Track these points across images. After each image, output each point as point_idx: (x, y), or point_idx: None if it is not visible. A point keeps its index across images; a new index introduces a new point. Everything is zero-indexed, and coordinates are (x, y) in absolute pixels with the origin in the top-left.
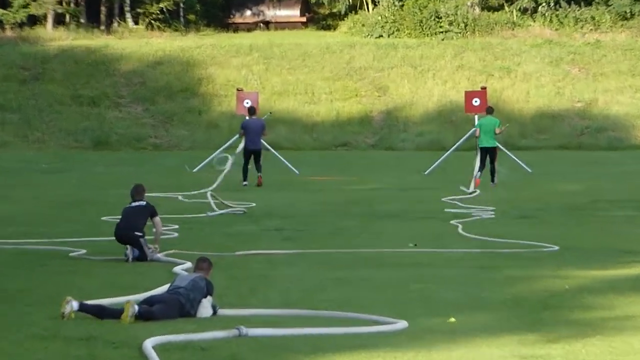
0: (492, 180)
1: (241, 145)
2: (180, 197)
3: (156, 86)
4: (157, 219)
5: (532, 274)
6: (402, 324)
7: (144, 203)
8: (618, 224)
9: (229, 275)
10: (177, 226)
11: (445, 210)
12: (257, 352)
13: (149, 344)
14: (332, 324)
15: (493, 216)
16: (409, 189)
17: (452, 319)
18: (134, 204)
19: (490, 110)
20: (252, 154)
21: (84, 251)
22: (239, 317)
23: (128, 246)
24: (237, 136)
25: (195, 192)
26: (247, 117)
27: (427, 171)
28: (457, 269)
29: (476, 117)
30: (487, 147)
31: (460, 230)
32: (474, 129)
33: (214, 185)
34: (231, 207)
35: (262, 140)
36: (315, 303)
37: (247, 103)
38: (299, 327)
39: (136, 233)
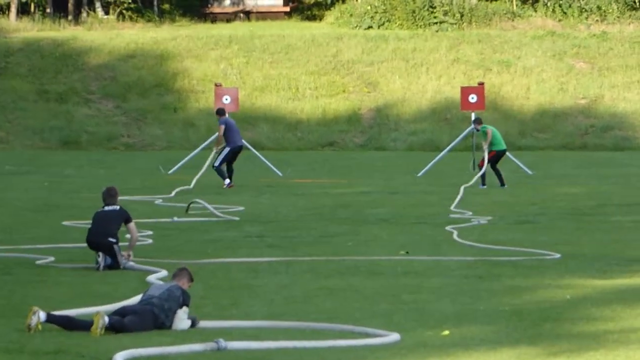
0: (484, 184)
1: (226, 148)
2: (160, 201)
3: (128, 81)
4: (132, 224)
5: (533, 284)
6: (394, 336)
7: (118, 207)
8: (625, 230)
9: (207, 285)
10: (151, 232)
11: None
12: None
13: (119, 358)
14: (318, 337)
15: (490, 222)
16: (401, 193)
17: (447, 332)
18: (106, 208)
19: (481, 121)
20: (239, 152)
21: (52, 258)
22: (217, 329)
23: (100, 253)
24: (215, 135)
25: (172, 194)
26: (226, 115)
27: (420, 173)
28: (452, 278)
29: (472, 114)
30: (503, 149)
31: (455, 236)
32: (484, 130)
33: (191, 186)
34: (219, 216)
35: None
36: (301, 314)
37: (227, 99)
38: (283, 340)
39: (109, 239)
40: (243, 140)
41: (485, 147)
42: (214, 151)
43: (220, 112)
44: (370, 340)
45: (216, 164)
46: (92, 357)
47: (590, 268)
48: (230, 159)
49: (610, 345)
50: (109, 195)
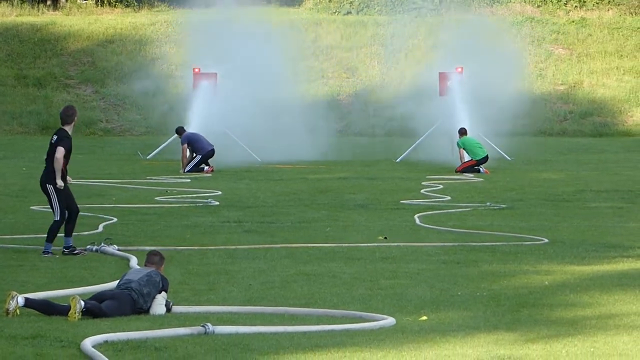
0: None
1: (198, 156)
2: (170, 190)
3: (107, 66)
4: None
5: (511, 270)
6: (389, 320)
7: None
8: (603, 216)
9: (185, 270)
10: (115, 219)
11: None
12: (215, 352)
13: (88, 342)
14: (299, 322)
15: (470, 208)
16: (379, 178)
17: (424, 317)
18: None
19: (463, 131)
20: (212, 155)
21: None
22: (194, 314)
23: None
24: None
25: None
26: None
27: (399, 159)
28: (430, 264)
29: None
30: (482, 157)
31: (418, 221)
32: (459, 144)
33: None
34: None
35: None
36: (278, 300)
37: (205, 82)
38: (265, 325)
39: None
40: (211, 144)
41: (461, 158)
42: (184, 170)
43: (179, 130)
44: (364, 324)
45: (187, 169)
46: (70, 342)
47: (569, 254)
48: (204, 162)
49: (589, 331)
50: (66, 115)
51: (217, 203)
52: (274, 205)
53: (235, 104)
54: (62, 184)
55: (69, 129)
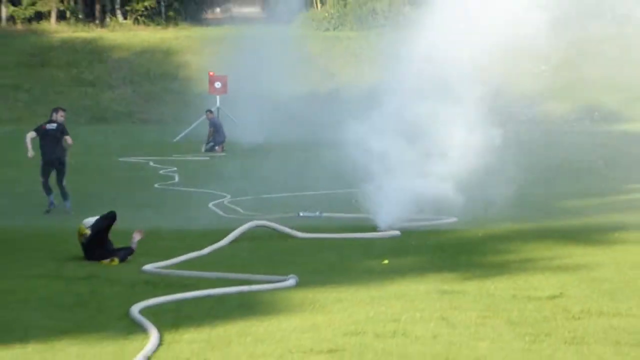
0: None
1: (210, 144)
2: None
3: (142, 71)
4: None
5: (452, 226)
6: (290, 281)
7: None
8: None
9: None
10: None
11: None
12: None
13: (135, 308)
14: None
15: None
16: None
17: (386, 261)
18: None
19: None
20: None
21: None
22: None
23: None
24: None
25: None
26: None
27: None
28: None
29: None
30: None
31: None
32: None
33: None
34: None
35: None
36: None
37: (218, 85)
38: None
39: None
40: (225, 134)
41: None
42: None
43: (208, 113)
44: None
45: (204, 149)
46: (117, 280)
47: (501, 215)
48: (216, 145)
49: (512, 272)
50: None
51: None
52: None
53: (241, 98)
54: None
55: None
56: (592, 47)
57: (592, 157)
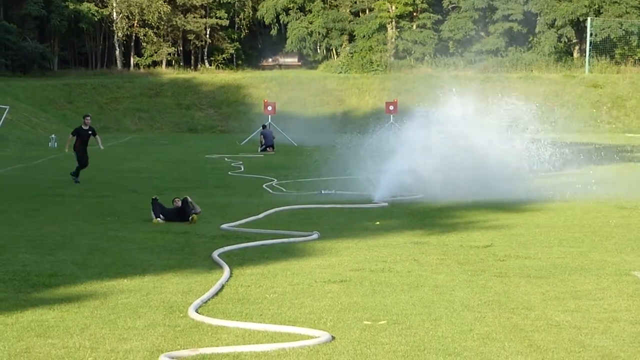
0: None
1: (263, 147)
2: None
3: (221, 99)
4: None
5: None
6: (314, 235)
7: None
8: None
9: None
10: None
11: None
12: None
13: (215, 253)
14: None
15: None
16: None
17: (378, 222)
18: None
19: None
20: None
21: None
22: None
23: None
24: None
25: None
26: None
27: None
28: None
29: (391, 117)
30: None
31: None
32: None
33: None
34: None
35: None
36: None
37: (270, 108)
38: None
39: None
40: (273, 138)
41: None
42: (259, 150)
43: (263, 126)
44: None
45: (260, 150)
46: (202, 234)
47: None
48: (267, 147)
49: (460, 230)
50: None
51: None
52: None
53: (284, 117)
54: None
55: (84, 125)
56: None
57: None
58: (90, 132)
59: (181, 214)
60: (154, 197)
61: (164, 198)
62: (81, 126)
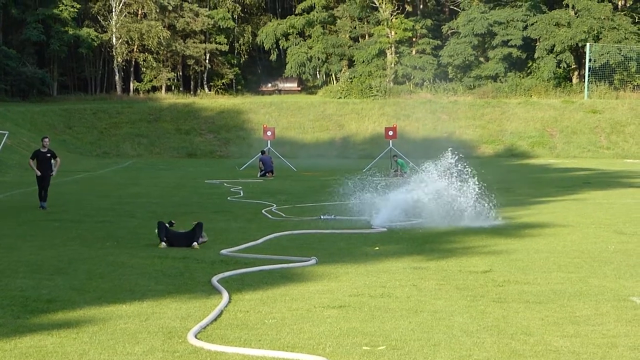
0: None
1: (262, 172)
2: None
3: (220, 124)
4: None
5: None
6: (312, 261)
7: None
8: None
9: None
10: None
11: None
12: None
13: (214, 279)
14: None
15: None
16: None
17: (377, 248)
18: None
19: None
20: (271, 170)
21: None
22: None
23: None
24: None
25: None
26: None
27: (365, 168)
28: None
29: (390, 142)
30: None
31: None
32: (400, 162)
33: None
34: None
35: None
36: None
37: (269, 133)
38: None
39: None
40: (272, 165)
41: (398, 173)
42: (258, 176)
43: (262, 152)
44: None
45: (259, 175)
46: (201, 260)
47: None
48: (266, 173)
49: (458, 255)
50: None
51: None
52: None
53: (283, 142)
54: (39, 173)
55: (42, 148)
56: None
57: (508, 179)
58: (49, 154)
59: (188, 237)
60: (160, 221)
61: (166, 220)
62: (39, 149)
